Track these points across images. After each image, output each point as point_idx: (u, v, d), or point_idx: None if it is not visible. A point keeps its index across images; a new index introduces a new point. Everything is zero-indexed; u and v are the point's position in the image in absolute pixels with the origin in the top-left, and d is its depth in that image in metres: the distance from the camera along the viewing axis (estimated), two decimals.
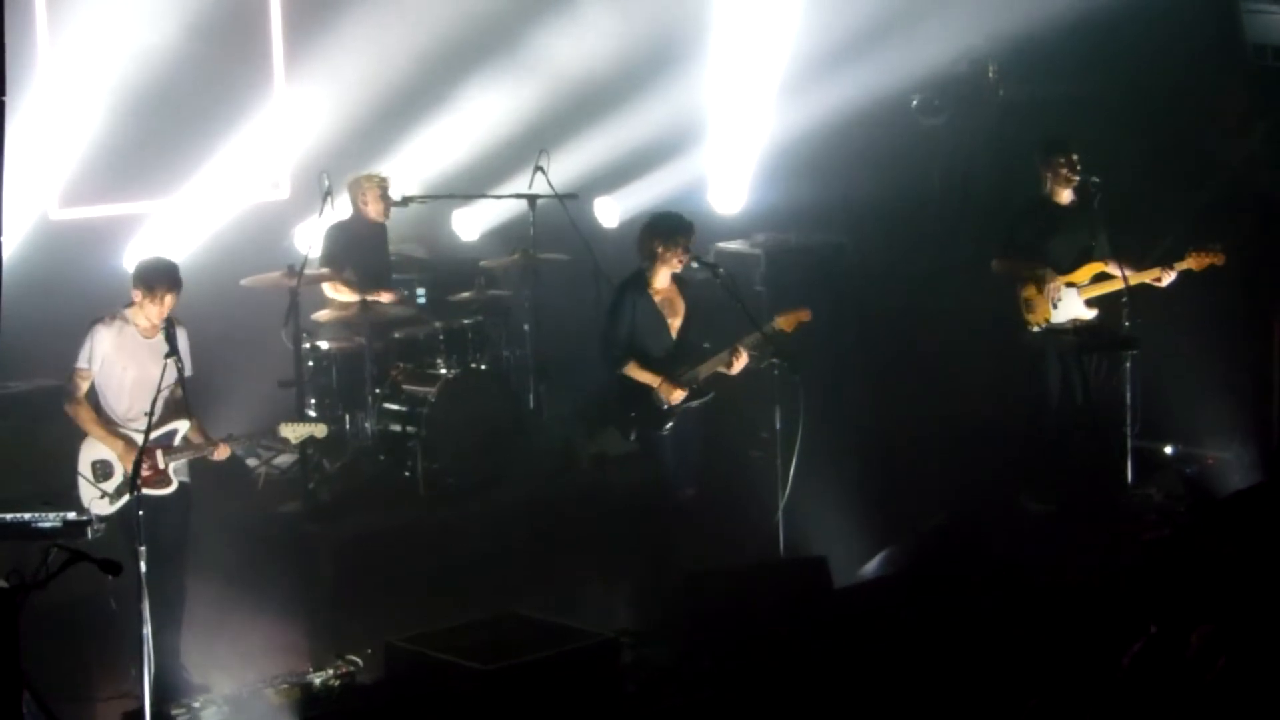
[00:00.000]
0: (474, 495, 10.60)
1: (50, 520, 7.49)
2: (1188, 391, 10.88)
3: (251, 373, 10.85)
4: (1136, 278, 10.18)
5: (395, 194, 11.32)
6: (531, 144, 11.81)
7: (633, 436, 9.49)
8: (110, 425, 8.37)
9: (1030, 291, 10.40)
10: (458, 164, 12.76)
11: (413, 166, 12.50)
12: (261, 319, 10.98)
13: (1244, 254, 10.60)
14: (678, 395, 9.33)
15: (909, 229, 12.97)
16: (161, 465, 8.31)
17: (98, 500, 8.29)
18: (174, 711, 7.80)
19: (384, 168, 11.85)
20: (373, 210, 11.18)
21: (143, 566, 7.57)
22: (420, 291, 11.75)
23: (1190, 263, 10.20)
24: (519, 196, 11.54)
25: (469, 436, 10.66)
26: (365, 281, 10.95)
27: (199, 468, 8.54)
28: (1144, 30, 11.99)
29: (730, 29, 13.15)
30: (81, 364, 8.38)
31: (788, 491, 9.30)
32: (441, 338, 10.87)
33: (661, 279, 9.47)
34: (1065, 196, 10.44)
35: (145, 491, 7.97)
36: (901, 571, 9.19)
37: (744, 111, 13.23)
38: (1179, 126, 12.01)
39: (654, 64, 12.97)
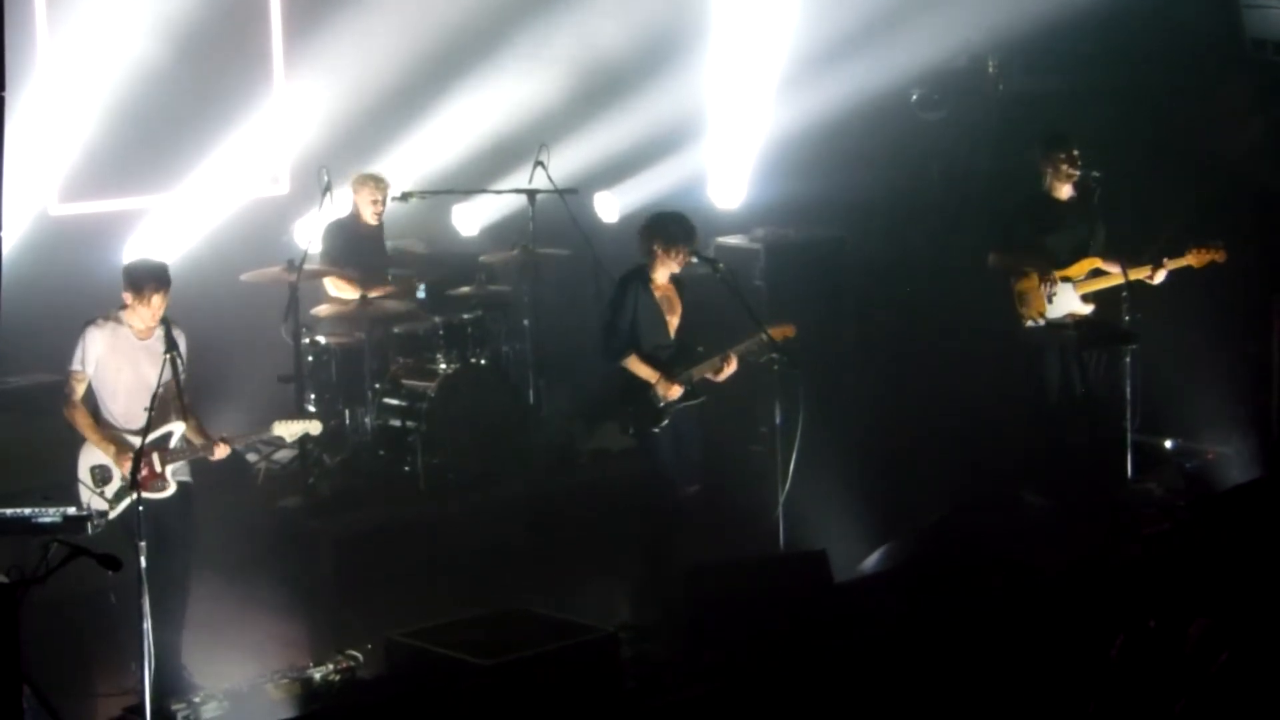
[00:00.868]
0: (474, 490, 10.60)
1: (50, 515, 7.42)
2: (1187, 386, 10.87)
3: (251, 368, 10.86)
4: (1130, 274, 10.16)
5: (395, 192, 11.33)
6: (531, 139, 11.78)
7: (630, 431, 9.48)
8: (105, 429, 8.21)
9: (1025, 286, 10.37)
10: (457, 159, 12.76)
11: (412, 161, 12.49)
12: (261, 314, 10.99)
13: (1244, 249, 10.59)
14: (674, 392, 9.31)
15: (909, 224, 12.96)
16: (158, 469, 8.17)
17: (99, 506, 8.20)
18: (174, 707, 7.76)
19: (384, 163, 11.86)
20: (364, 213, 11.20)
21: (143, 562, 7.54)
22: (420, 287, 11.74)
23: (1191, 259, 10.18)
24: (519, 191, 11.53)
25: (469, 431, 10.66)
26: (364, 278, 10.96)
27: (199, 463, 8.48)
28: (1144, 25, 11.98)
29: (730, 24, 13.12)
30: (75, 366, 8.23)
31: (788, 486, 9.28)
32: (441, 333, 10.87)
33: (662, 275, 9.46)
34: (1065, 192, 10.41)
35: (144, 495, 7.86)
36: (901, 566, 9.18)
37: (744, 106, 13.21)
38: (1179, 121, 11.99)
39: (654, 58, 12.95)
